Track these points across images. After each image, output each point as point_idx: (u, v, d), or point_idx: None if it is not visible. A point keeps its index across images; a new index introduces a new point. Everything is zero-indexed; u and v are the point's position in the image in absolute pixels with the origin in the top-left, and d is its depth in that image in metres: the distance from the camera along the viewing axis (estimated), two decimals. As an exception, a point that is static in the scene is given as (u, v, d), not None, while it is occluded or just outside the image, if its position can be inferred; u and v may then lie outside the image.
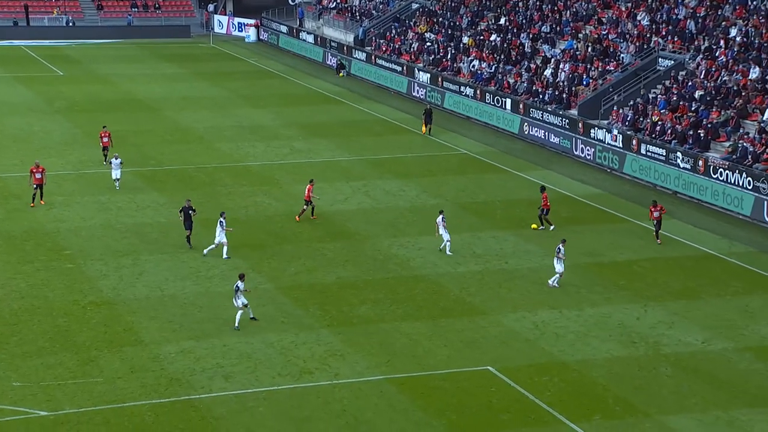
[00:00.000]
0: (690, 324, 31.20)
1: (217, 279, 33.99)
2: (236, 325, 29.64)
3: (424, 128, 52.35)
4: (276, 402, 25.89)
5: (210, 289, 33.12)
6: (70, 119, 56.97)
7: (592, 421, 25.21)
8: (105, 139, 46.09)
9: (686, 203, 44.11)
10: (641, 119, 50.04)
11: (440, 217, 36.64)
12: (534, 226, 39.13)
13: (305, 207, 40.04)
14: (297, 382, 26.93)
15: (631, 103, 51.58)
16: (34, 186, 40.57)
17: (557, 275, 33.42)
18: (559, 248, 33.39)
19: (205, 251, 35.60)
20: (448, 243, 36.43)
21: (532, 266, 35.83)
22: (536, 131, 53.84)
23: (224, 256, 35.39)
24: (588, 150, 50.28)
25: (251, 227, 39.06)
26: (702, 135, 46.45)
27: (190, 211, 36.33)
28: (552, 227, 39.00)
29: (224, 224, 35.61)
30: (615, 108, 51.90)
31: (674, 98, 49.94)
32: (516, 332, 30.37)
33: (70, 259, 35.63)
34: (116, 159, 43.04)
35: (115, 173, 42.81)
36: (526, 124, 54.72)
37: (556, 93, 55.53)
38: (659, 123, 48.54)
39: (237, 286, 29.94)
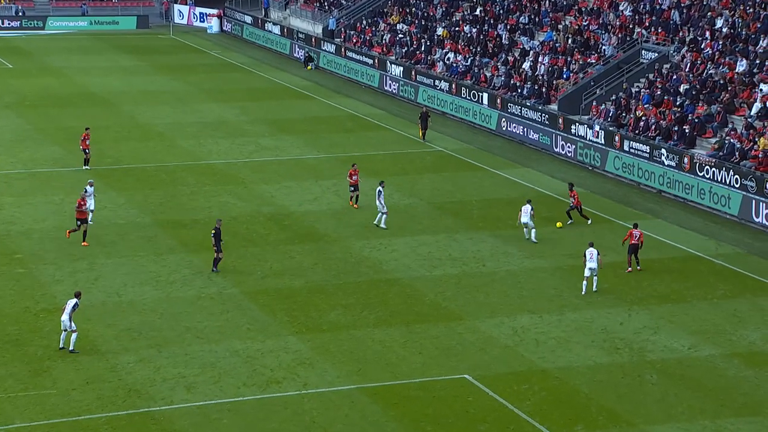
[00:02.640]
0: (676, 329, 31.36)
1: (178, 284, 33.77)
2: (70, 347, 28.35)
3: (420, 133, 52.23)
4: (241, 414, 25.74)
5: (171, 295, 32.90)
6: (21, 115, 56.44)
7: (575, 431, 25.25)
8: (87, 141, 45.61)
9: (671, 202, 44.38)
10: (624, 114, 50.30)
11: (379, 187, 38.71)
12: (559, 224, 39.99)
13: (355, 192, 41.41)
14: (263, 393, 26.79)
15: (614, 97, 51.84)
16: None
17: (586, 276, 33.59)
18: (591, 253, 33.41)
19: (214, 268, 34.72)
20: (384, 216, 38.32)
21: (511, 269, 35.90)
22: (515, 127, 53.99)
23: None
24: (569, 147, 50.47)
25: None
26: (687, 131, 46.76)
27: (218, 237, 34.16)
28: (589, 221, 40.18)
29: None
30: (596, 103, 52.13)
31: (658, 92, 50.24)
32: (494, 338, 30.40)
33: (21, 264, 35.26)
34: (90, 186, 38.86)
35: (90, 203, 38.04)
36: (504, 119, 54.86)
37: (536, 87, 55.71)
38: (643, 118, 48.81)
39: (76, 304, 28.39)
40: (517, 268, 35.88)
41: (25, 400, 26.05)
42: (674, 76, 50.85)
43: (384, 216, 37.43)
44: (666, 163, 45.91)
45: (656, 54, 53.47)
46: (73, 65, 70.62)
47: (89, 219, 37.69)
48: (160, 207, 41.75)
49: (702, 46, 51.98)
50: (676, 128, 47.24)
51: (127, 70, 69.65)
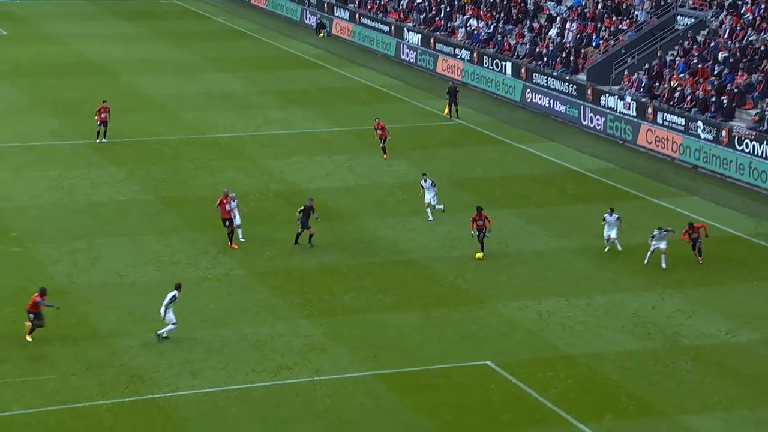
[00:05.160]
0: (712, 313, 31.38)
1: (183, 264, 33.98)
2: (161, 332, 28.72)
3: (447, 109, 52.16)
4: (250, 401, 25.95)
5: (175, 276, 33.06)
6: (15, 85, 56.69)
7: (603, 421, 25.37)
8: (104, 114, 45.82)
9: (708, 178, 44.28)
10: (657, 84, 50.14)
11: (423, 179, 38.13)
12: (479, 255, 34.77)
13: (383, 144, 43.54)
14: (273, 379, 26.98)
15: (647, 66, 51.66)
16: (225, 222, 35.09)
17: (650, 253, 33.91)
18: (661, 233, 33.82)
19: (243, 237, 35.13)
20: (434, 208, 37.77)
21: (535, 250, 35.95)
22: (540, 99, 53.88)
23: (240, 238, 35.20)
24: (598, 119, 50.37)
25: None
26: (725, 102, 46.58)
27: (312, 211, 34.74)
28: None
29: (236, 204, 35.01)
30: (628, 72, 51.97)
31: (695, 61, 50.04)
32: (518, 323, 30.50)
33: (17, 243, 35.52)
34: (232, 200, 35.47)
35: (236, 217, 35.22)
36: (528, 90, 54.76)
37: (563, 55, 55.57)
38: (678, 89, 48.65)
39: (174, 296, 28.55)
40: (542, 249, 35.93)
41: (23, 386, 26.34)
42: (712, 43, 50.62)
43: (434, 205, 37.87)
44: (702, 136, 45.78)
45: (693, 19, 53.19)
46: (70, 32, 70.79)
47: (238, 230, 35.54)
48: (162, 183, 41.94)
49: (742, 11, 51.68)
50: (713, 99, 47.07)
51: (127, 38, 69.79)
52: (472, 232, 34.57)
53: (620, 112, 49.90)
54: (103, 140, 46.04)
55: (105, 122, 45.88)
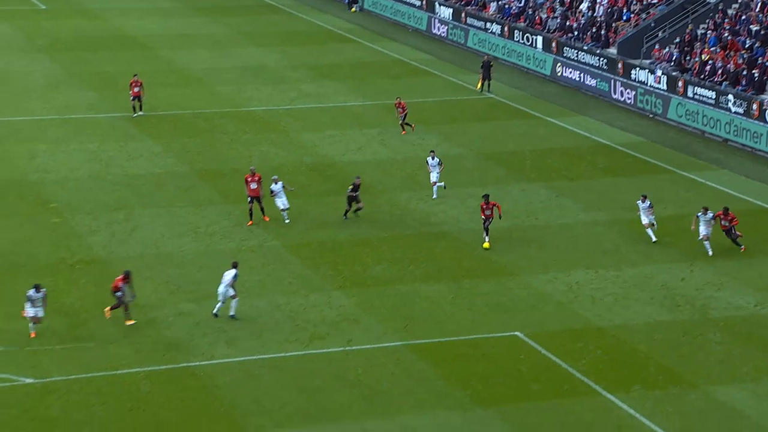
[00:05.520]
0: (741, 285, 31.06)
1: (218, 236, 34.02)
2: (231, 312, 28.45)
3: (480, 83, 51.72)
4: (284, 370, 25.99)
5: (210, 247, 33.17)
6: (54, 59, 56.83)
7: (632, 392, 25.20)
8: (137, 89, 45.86)
9: (738, 151, 43.75)
10: (688, 58, 49.52)
11: (430, 156, 37.48)
12: (486, 245, 33.56)
13: (405, 120, 43.89)
14: (306, 349, 27.01)
15: (677, 40, 51.00)
16: (249, 199, 34.77)
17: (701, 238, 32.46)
18: (709, 216, 32.43)
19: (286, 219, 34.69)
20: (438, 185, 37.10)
21: (565, 222, 35.69)
22: (571, 72, 53.38)
23: (285, 220, 34.73)
24: (628, 93, 49.85)
25: (255, 179, 39.06)
26: (757, 75, 45.94)
27: (356, 193, 34.67)
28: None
29: (281, 186, 34.47)
30: (659, 46, 51.35)
31: (726, 34, 49.34)
32: (547, 295, 30.32)
33: (57, 213, 35.70)
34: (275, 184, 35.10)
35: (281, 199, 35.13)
36: (559, 64, 54.25)
37: (593, 29, 54.96)
38: (709, 62, 48.02)
39: (236, 274, 28.25)
40: (572, 222, 35.66)
41: (63, 354, 26.52)
42: (743, 17, 49.87)
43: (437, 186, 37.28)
44: (733, 109, 45.19)
45: (724, -7, 52.41)
46: (107, 6, 70.73)
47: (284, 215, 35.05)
48: (198, 156, 41.97)
49: (773, -15, 50.82)
50: (744, 73, 46.43)
51: (164, 12, 69.71)
52: (482, 218, 33.26)
53: (651, 86, 49.33)
54: (140, 113, 46.09)
55: (138, 96, 45.89)
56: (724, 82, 46.78)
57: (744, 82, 46.17)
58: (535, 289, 30.61)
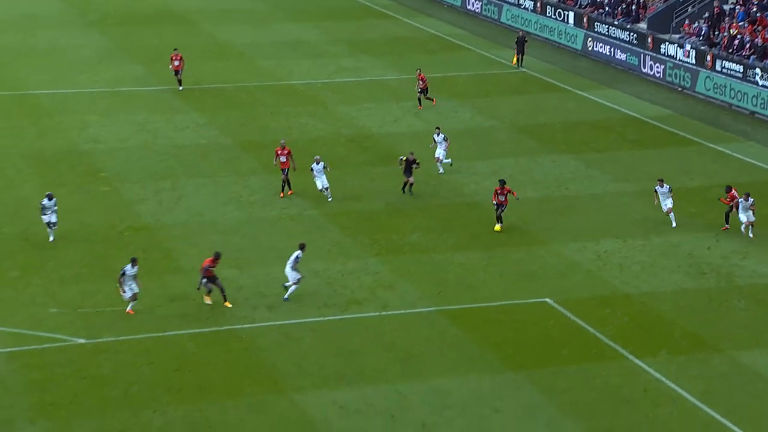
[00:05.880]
0: (766, 254, 31.03)
1: (259, 205, 34.45)
2: (285, 296, 28.13)
3: (515, 59, 51.52)
4: (322, 334, 26.41)
5: (252, 215, 33.59)
6: (103, 33, 57.32)
7: (658, 356, 25.40)
8: (176, 63, 46.24)
9: (765, 124, 43.47)
10: (717, 33, 49.11)
11: (436, 132, 36.87)
12: (497, 228, 32.78)
13: (421, 93, 43.58)
14: (344, 313, 27.41)
15: (706, 15, 50.56)
16: (283, 171, 34.68)
17: (744, 225, 31.77)
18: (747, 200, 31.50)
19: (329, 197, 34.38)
20: (442, 162, 36.73)
21: (594, 192, 35.75)
22: (601, 47, 53.12)
23: (328, 198, 34.47)
24: (658, 67, 49.58)
25: (295, 150, 39.01)
26: (784, 51, 45.53)
27: (414, 165, 34.62)
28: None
29: (322, 167, 34.17)
30: (688, 21, 50.95)
31: (754, 9, 48.84)
32: (577, 263, 30.49)
33: (107, 182, 36.27)
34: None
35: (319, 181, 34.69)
36: (590, 39, 53.99)
37: (624, 5, 54.59)
38: (737, 36, 47.62)
39: (298, 255, 27.92)
40: (601, 192, 35.72)
41: (113, 316, 27.10)
42: (772, -7, 49.32)
43: (442, 163, 37.14)
44: (760, 83, 44.85)
45: (753, -31, 51.78)
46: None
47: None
48: (240, 128, 42.37)
49: (803, -39, 50.17)
50: (772, 48, 46.01)
51: (206, -11, 69.87)
52: (494, 203, 32.32)
53: (679, 60, 49.03)
54: (179, 88, 46.41)
55: (177, 70, 46.22)
56: (751, 56, 46.40)
57: (772, 57, 45.76)
58: (565, 257, 30.78)
